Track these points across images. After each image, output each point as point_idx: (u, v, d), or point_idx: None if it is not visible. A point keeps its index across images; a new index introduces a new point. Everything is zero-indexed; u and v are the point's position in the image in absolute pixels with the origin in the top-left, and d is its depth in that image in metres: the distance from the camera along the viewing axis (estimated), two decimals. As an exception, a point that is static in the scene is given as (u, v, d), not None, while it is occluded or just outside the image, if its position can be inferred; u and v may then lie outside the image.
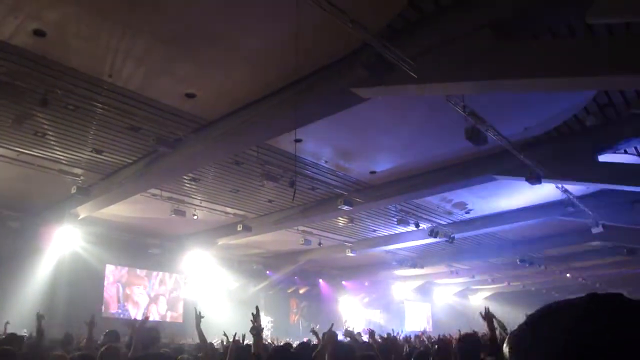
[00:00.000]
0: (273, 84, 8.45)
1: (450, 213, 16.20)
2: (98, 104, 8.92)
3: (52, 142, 10.48)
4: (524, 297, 29.63)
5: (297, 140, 9.75)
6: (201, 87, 8.68)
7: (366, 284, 27.28)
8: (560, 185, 12.32)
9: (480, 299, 32.84)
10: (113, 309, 17.99)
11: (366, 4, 6.54)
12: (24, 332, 6.26)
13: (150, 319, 18.04)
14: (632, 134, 9.58)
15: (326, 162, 11.83)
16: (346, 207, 13.16)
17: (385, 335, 7.68)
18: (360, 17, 6.26)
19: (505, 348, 0.79)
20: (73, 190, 12.01)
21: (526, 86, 7.26)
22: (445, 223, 16.92)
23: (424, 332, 16.23)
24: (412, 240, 18.39)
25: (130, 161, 11.46)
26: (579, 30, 6.79)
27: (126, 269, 18.75)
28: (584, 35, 6.85)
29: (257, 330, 4.12)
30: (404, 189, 13.00)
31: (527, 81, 6.84)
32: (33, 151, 10.91)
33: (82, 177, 12.10)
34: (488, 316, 5.24)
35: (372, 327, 10.99)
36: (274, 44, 7.42)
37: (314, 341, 6.93)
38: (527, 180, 10.46)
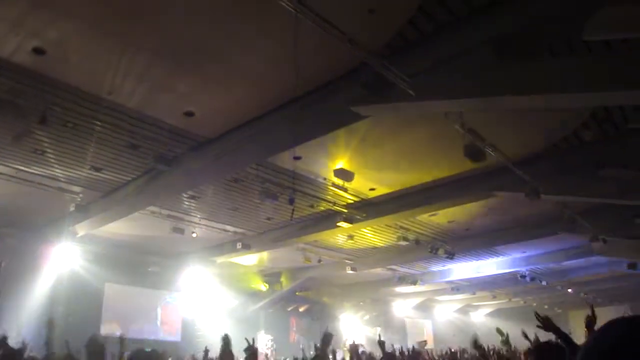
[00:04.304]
0: (272, 102, 8.47)
1: (450, 229, 16.17)
2: (97, 122, 8.92)
3: (51, 160, 10.47)
4: (525, 313, 29.45)
5: (297, 158, 9.76)
6: (200, 105, 8.70)
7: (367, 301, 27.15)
8: (560, 201, 12.29)
9: (481, 316, 32.72)
10: (112, 328, 17.83)
11: (365, 24, 6.58)
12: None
13: (151, 337, 18.08)
14: (631, 148, 9.59)
15: (325, 179, 11.81)
16: (345, 224, 13.13)
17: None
18: (359, 37, 6.30)
19: None
20: (72, 208, 11.99)
21: (525, 103, 7.28)
22: (445, 239, 16.88)
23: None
24: (413, 257, 18.40)
25: (129, 179, 11.45)
26: (579, 48, 6.82)
27: (125, 287, 18.65)
28: (583, 52, 6.88)
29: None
30: (403, 206, 12.98)
31: (527, 98, 6.86)
32: (32, 168, 10.89)
33: (81, 195, 12.08)
34: (550, 324, 4.52)
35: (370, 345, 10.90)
36: (273, 62, 7.45)
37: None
38: (526, 196, 10.45)
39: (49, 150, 10.05)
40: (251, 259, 18.52)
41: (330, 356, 6.27)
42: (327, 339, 5.12)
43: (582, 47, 6.78)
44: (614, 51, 6.78)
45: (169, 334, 19.62)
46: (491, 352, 6.97)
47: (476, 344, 5.92)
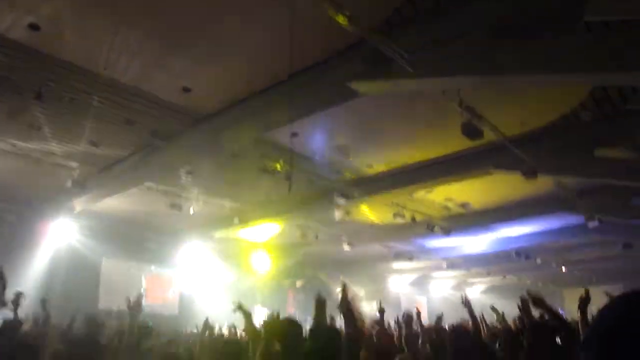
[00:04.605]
0: (269, 78, 8.43)
1: (447, 207, 16.21)
2: (93, 97, 8.87)
3: (48, 135, 10.43)
4: (519, 290, 29.66)
5: (294, 134, 9.73)
6: (197, 81, 8.65)
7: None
8: (556, 180, 12.31)
9: (476, 292, 32.94)
10: (110, 302, 17.93)
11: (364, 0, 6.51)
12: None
13: (148, 311, 18.18)
14: (629, 129, 9.57)
15: (322, 155, 11.81)
16: (343, 200, 13.15)
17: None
18: (358, 12, 6.24)
19: None
20: (69, 184, 11.97)
21: (524, 82, 7.25)
22: (441, 216, 16.94)
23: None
24: (410, 234, 18.48)
25: (126, 154, 11.43)
26: (579, 27, 6.77)
27: (123, 262, 18.72)
28: (584, 32, 6.83)
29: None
30: (400, 183, 12.99)
31: (525, 77, 6.84)
32: (28, 144, 10.86)
33: (77, 170, 12.05)
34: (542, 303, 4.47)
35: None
36: (271, 38, 7.39)
37: None
38: (523, 174, 10.46)
39: (45, 126, 10.00)
40: (248, 234, 18.55)
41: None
42: (320, 304, 4.88)
43: (582, 27, 6.73)
44: (614, 31, 6.73)
45: (167, 308, 19.75)
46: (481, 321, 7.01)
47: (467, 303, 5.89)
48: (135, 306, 4.79)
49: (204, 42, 7.61)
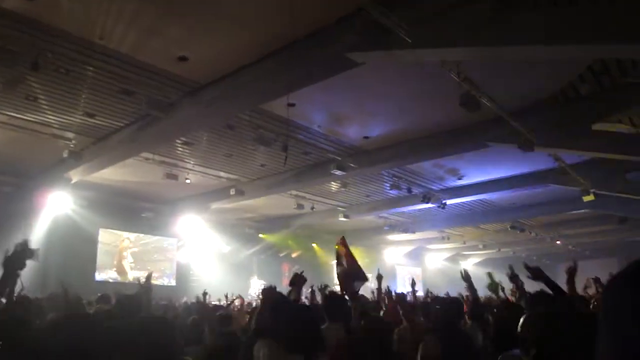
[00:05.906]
0: (267, 48, 8.36)
1: (442, 179, 16.28)
2: (90, 68, 8.81)
3: (44, 106, 10.36)
4: (514, 263, 29.89)
5: (290, 105, 9.69)
6: (194, 50, 8.58)
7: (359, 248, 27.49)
8: (552, 153, 12.34)
9: (470, 265, 33.24)
10: (106, 273, 18.05)
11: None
12: None
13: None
14: (626, 103, 9.56)
15: (319, 126, 11.80)
16: (339, 172, 13.17)
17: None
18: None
19: None
20: (65, 155, 11.94)
21: (524, 54, 7.22)
22: (437, 189, 17.02)
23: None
24: (405, 205, 18.58)
25: (122, 125, 11.38)
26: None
27: (119, 232, 18.78)
28: (584, 3, 6.77)
29: None
30: (397, 155, 13.02)
31: (525, 49, 6.80)
32: (25, 115, 10.78)
33: (74, 141, 12.00)
34: (540, 273, 4.36)
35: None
36: (268, 6, 7.31)
37: None
38: (519, 147, 10.47)
39: (41, 97, 9.94)
40: (244, 206, 18.62)
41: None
42: (297, 280, 4.88)
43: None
44: (616, 3, 6.67)
45: (164, 279, 19.88)
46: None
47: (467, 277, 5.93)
48: (147, 284, 4.82)
49: (201, 10, 7.52)
